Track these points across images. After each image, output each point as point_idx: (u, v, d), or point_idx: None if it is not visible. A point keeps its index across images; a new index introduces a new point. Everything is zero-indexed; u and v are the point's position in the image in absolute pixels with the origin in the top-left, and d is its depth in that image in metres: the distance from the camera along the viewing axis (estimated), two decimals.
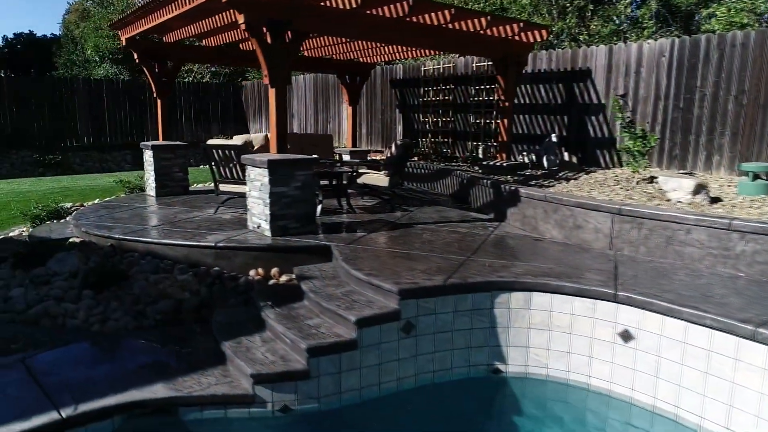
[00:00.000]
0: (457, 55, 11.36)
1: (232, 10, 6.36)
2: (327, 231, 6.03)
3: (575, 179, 7.18)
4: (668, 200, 5.51)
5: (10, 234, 7.32)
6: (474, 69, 10.09)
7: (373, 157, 11.71)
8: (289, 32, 5.72)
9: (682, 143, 7.38)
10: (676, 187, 5.46)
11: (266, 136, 9.58)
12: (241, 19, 5.36)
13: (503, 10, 12.90)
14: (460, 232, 6.14)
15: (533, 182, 7.08)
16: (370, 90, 12.59)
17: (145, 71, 8.71)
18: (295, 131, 15.27)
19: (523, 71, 8.63)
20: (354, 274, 4.47)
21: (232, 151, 6.72)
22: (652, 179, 6.58)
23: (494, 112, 9.76)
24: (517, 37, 7.82)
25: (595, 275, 4.41)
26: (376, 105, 12.50)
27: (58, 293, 5.05)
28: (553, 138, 8.39)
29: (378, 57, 10.76)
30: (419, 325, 4.12)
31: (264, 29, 5.53)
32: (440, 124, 10.88)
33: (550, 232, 5.92)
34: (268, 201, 5.64)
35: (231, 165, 6.86)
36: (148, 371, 3.81)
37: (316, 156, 6.21)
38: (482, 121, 10.00)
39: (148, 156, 8.81)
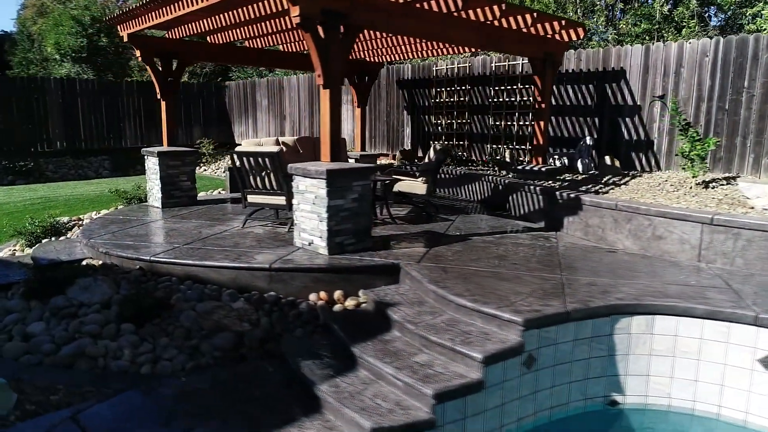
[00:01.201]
0: (472, 55, 10.97)
1: (274, 3, 5.72)
2: (381, 246, 5.48)
3: (625, 184, 6.85)
4: (752, 207, 5.22)
5: (1, 255, 6.45)
6: (493, 69, 9.70)
7: (381, 162, 11.19)
8: (341, 27, 5.15)
9: (727, 146, 7.17)
10: (761, 194, 5.18)
11: (279, 139, 8.95)
12: (295, 11, 4.76)
13: None
14: (525, 243, 5.71)
15: (583, 188, 6.72)
16: (374, 91, 12.04)
17: (149, 70, 7.91)
18: (305, 135, 14.57)
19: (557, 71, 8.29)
20: (453, 300, 3.95)
21: (267, 159, 6.08)
22: (707, 184, 6.33)
23: (516, 114, 9.40)
24: (557, 36, 7.46)
25: (717, 294, 4.04)
26: (381, 107, 11.96)
27: (94, 329, 4.32)
28: (588, 141, 8.07)
29: (385, 56, 10.24)
30: (540, 358, 3.65)
31: (318, 23, 4.94)
32: (455, 127, 10.44)
33: (622, 242, 5.56)
34: (324, 215, 5.04)
35: (263, 174, 6.21)
36: (235, 429, 3.18)
37: (372, 164, 5.65)
38: (503, 123, 9.62)
39: (152, 163, 8.01)
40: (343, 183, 5.08)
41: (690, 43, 7.46)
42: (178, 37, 7.97)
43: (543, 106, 7.94)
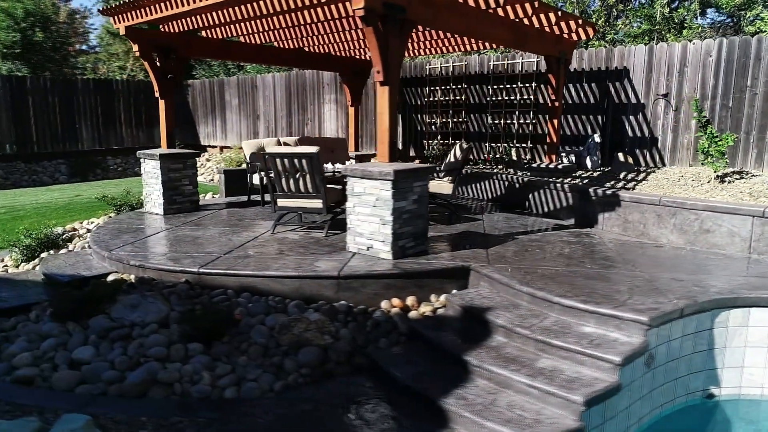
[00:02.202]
0: (468, 54, 10.97)
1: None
2: (437, 249, 5.31)
3: (644, 180, 7.04)
4: None
5: None
6: (491, 68, 9.73)
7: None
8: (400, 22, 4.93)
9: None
10: None
11: (278, 140, 8.58)
12: (359, 4, 4.49)
13: None
14: (572, 241, 5.72)
15: (608, 184, 6.84)
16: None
17: (147, 66, 7.32)
18: (284, 135, 14.04)
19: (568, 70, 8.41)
20: (559, 302, 3.85)
21: (304, 160, 5.75)
22: (722, 178, 6.62)
23: (516, 112, 9.47)
24: (573, 35, 7.56)
25: None
26: (369, 106, 11.73)
27: (160, 351, 3.89)
28: (596, 138, 8.25)
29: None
30: (657, 357, 3.62)
31: (379, 17, 4.70)
32: (451, 126, 10.40)
33: (666, 237, 5.68)
34: (388, 218, 4.81)
35: (298, 175, 5.87)
36: None
37: (428, 165, 5.46)
38: (502, 121, 9.67)
39: (150, 167, 7.42)
40: (405, 184, 4.87)
41: (694, 43, 7.77)
42: (173, 30, 7.42)
43: (557, 104, 8.03)
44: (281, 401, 3.51)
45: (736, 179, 6.62)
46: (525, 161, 8.99)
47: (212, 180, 12.91)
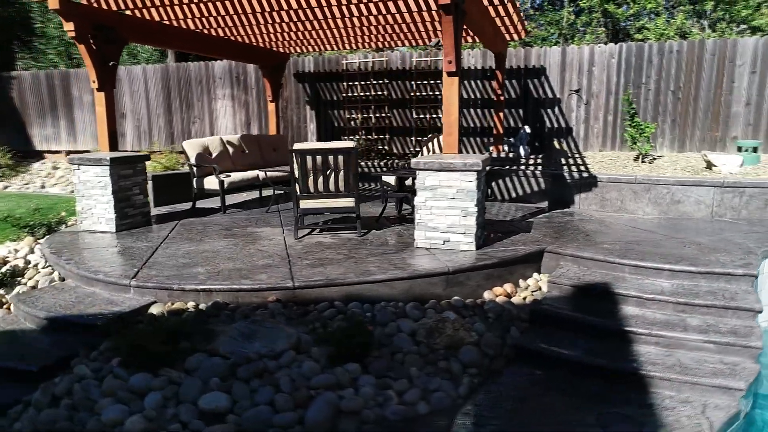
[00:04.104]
0: (382, 50, 11.06)
1: None
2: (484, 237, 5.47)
3: (587, 163, 8.11)
4: (720, 172, 6.90)
5: None
6: (414, 64, 10.03)
7: None
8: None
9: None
10: (726, 161, 6.90)
11: (221, 139, 7.78)
12: None
13: None
14: (585, 219, 6.37)
15: (566, 167, 7.71)
16: (263, 85, 11.05)
17: (83, 51, 5.91)
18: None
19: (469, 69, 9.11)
20: (669, 268, 4.36)
21: (340, 156, 5.34)
22: (642, 157, 8.03)
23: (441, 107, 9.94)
24: (515, 35, 8.24)
25: None
26: (281, 102, 11.05)
27: (328, 380, 3.38)
28: (527, 129, 9.15)
29: (291, 47, 9.61)
30: None
31: (454, 5, 4.64)
32: (373, 121, 10.43)
33: (642, 209, 6.69)
34: (472, 209, 4.80)
35: (329, 173, 5.44)
36: None
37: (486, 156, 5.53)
38: (428, 116, 10.07)
39: (92, 175, 6.07)
40: (483, 174, 4.91)
41: (599, 47, 9.14)
42: (111, 8, 6.13)
43: (501, 98, 8.68)
44: (484, 405, 3.35)
45: (653, 159, 8.06)
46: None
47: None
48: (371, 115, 10.43)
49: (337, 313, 4.08)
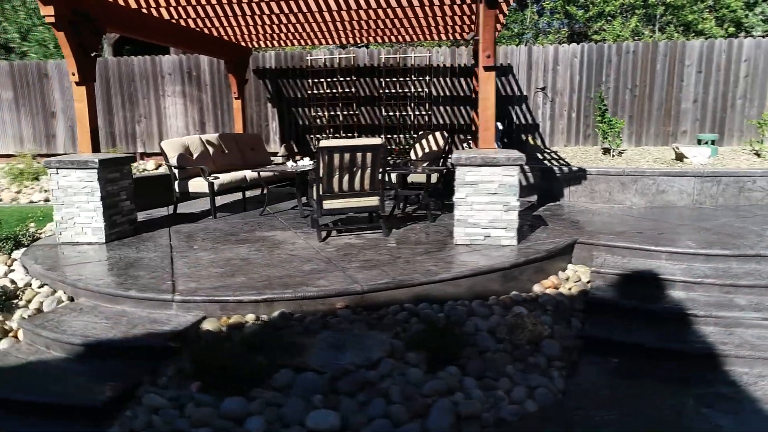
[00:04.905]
0: (345, 46, 10.82)
1: None
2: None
3: (562, 157, 8.46)
4: (690, 164, 7.47)
5: None
6: (382, 61, 9.92)
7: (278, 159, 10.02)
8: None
9: (593, 125, 9.60)
10: (696, 153, 7.47)
11: (200, 138, 7.30)
12: None
13: None
14: (583, 211, 6.61)
15: (546, 162, 7.99)
16: (219, 80, 10.43)
17: (62, 40, 5.21)
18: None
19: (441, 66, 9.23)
20: (705, 253, 4.63)
21: (369, 154, 5.14)
22: (607, 151, 8.54)
23: (412, 104, 9.93)
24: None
25: None
26: (233, 98, 10.45)
27: (439, 386, 3.24)
28: (499, 126, 9.37)
29: (253, 42, 9.17)
30: None
31: None
32: (341, 119, 10.19)
33: (630, 200, 7.08)
34: (514, 204, 4.83)
35: (355, 170, 5.22)
36: None
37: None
38: (397, 113, 10.01)
39: (74, 179, 5.40)
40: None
41: (563, 47, 9.56)
42: None
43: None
44: (583, 397, 3.37)
45: (620, 152, 8.57)
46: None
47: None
48: (339, 113, 10.18)
49: (410, 315, 3.92)
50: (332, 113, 10.21)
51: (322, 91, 10.15)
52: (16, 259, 5.16)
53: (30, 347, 3.73)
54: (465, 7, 7.07)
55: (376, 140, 5.16)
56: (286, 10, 6.88)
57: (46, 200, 9.54)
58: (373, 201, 5.38)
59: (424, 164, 7.14)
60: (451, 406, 3.10)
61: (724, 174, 6.82)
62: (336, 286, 3.93)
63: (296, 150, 10.09)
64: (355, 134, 10.21)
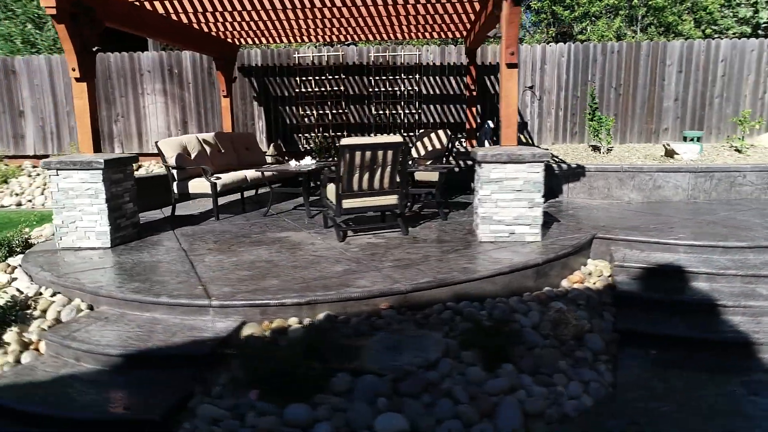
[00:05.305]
0: (330, 44, 10.67)
1: None
2: None
3: (556, 155, 8.60)
4: (681, 160, 7.73)
5: None
6: (371, 59, 9.83)
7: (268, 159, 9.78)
8: None
9: (580, 123, 9.82)
10: (686, 150, 7.73)
11: (197, 137, 7.09)
12: None
13: None
14: (588, 207, 6.72)
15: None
16: (202, 78, 10.11)
17: (63, 34, 4.91)
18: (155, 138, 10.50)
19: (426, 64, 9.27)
20: (723, 245, 4.78)
21: (390, 152, 5.07)
22: (595, 148, 8.75)
23: (402, 103, 9.89)
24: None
25: None
26: (216, 96, 10.16)
27: (501, 385, 3.21)
28: (490, 124, 9.44)
29: (240, 39, 8.96)
30: None
31: None
32: (330, 117, 10.04)
33: (627, 196, 7.26)
34: (539, 200, 4.85)
35: (375, 169, 5.14)
36: None
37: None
38: (387, 112, 9.95)
39: (77, 181, 5.12)
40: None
41: (550, 46, 9.72)
42: None
43: (474, 93, 8.84)
44: (635, 389, 3.43)
45: (608, 149, 8.79)
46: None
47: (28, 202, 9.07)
48: (328, 112, 10.04)
49: (454, 314, 3.87)
50: (321, 112, 10.05)
51: (310, 90, 9.99)
52: (15, 267, 4.83)
53: (56, 360, 3.49)
54: (457, 5, 7.09)
55: (396, 138, 5.09)
56: (278, 6, 6.72)
57: (19, 204, 9.06)
58: (391, 200, 5.31)
59: (428, 162, 7.12)
60: (517, 404, 3.08)
61: (717, 169, 7.08)
62: (378, 286, 3.84)
63: (284, 149, 9.90)
64: (344, 133, 10.09)
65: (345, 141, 4.98)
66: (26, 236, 5.63)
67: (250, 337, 3.52)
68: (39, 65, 10.28)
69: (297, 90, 10.00)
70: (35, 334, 3.72)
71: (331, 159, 8.79)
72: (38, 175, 10.10)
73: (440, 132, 7.29)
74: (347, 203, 5.18)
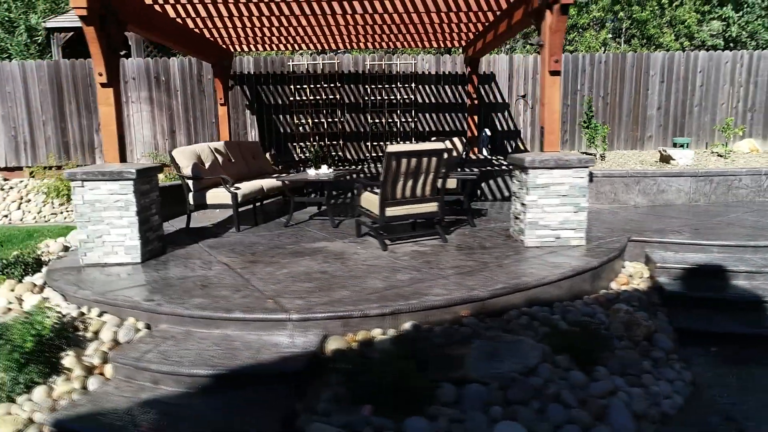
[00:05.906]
0: (323, 52, 10.56)
1: None
2: None
3: None
4: (677, 165, 8.09)
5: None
6: (367, 68, 9.80)
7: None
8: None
9: (570, 130, 10.12)
10: (681, 155, 8.10)
11: (209, 146, 6.88)
12: None
13: None
14: (596, 212, 6.91)
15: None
16: (192, 86, 9.77)
17: (91, 35, 4.62)
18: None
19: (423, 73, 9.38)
20: (754, 245, 5.01)
21: (434, 159, 5.04)
22: (596, 155, 9.06)
23: (398, 111, 9.90)
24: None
25: None
26: (205, 105, 9.84)
27: (606, 387, 3.23)
28: (487, 132, 9.57)
29: (236, 45, 8.76)
30: None
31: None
32: (325, 126, 9.92)
33: (633, 200, 7.52)
34: (584, 204, 4.95)
35: (419, 176, 5.10)
36: None
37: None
38: (384, 120, 9.93)
39: (109, 191, 4.82)
40: None
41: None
42: None
43: (476, 102, 8.95)
44: (712, 387, 3.54)
45: (602, 156, 9.11)
46: None
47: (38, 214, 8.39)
48: (323, 120, 9.91)
49: (531, 318, 3.87)
50: (316, 120, 9.92)
51: (305, 98, 9.84)
52: (41, 286, 4.48)
53: (130, 384, 3.24)
54: (452, 15, 7.17)
55: (440, 144, 5.07)
56: (276, 12, 6.60)
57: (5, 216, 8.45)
58: (432, 207, 5.28)
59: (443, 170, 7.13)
60: (624, 405, 3.10)
61: (716, 174, 7.45)
62: (456, 294, 3.79)
63: (279, 159, 9.70)
64: (340, 142, 9.99)
65: (391, 148, 4.91)
66: (39, 253, 5.23)
67: (337, 351, 3.38)
68: (11, 71, 9.65)
69: (291, 98, 9.83)
70: (97, 357, 3.44)
71: (341, 167, 8.68)
72: (11, 188, 9.46)
73: (455, 139, 7.32)
74: (390, 211, 5.11)
